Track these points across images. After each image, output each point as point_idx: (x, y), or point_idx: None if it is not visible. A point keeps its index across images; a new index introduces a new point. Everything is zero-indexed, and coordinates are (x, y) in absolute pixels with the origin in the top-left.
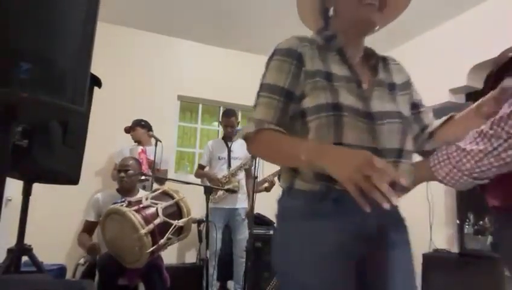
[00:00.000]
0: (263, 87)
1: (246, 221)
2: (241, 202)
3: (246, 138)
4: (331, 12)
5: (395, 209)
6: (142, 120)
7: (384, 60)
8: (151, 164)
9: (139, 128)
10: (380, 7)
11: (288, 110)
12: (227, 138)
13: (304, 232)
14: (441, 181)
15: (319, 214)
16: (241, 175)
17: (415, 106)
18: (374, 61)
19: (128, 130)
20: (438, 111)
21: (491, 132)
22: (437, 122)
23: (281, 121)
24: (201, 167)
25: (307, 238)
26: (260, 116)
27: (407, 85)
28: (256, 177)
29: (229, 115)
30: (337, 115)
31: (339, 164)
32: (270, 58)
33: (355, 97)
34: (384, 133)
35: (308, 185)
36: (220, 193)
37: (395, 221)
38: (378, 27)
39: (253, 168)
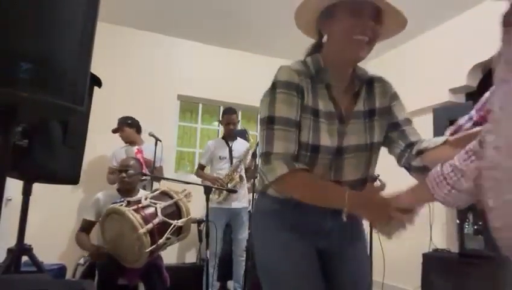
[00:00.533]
0: (277, 120)
1: (247, 221)
2: (242, 202)
3: (280, 178)
4: (325, 38)
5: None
6: (128, 118)
7: (371, 82)
8: (148, 163)
9: (127, 128)
10: (369, 41)
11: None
12: (228, 137)
13: (271, 227)
14: (442, 203)
15: (283, 212)
16: (242, 172)
17: (398, 125)
18: (358, 88)
19: (115, 130)
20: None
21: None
22: (429, 143)
23: (298, 152)
24: (201, 166)
25: (273, 231)
26: (282, 150)
27: (387, 110)
28: (256, 177)
29: (230, 112)
30: (313, 156)
31: (372, 217)
32: (274, 90)
33: (333, 135)
34: (349, 166)
35: (277, 193)
36: (224, 193)
37: (351, 224)
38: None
39: (253, 167)
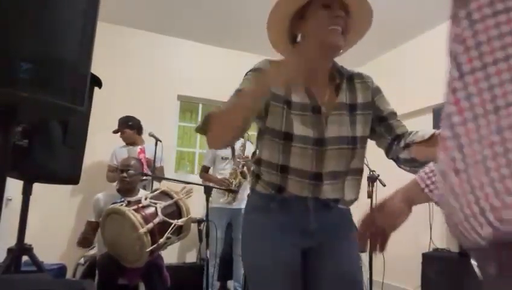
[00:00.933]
0: (235, 91)
1: None
2: (245, 202)
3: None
4: (299, 38)
5: (341, 210)
6: (129, 119)
7: (351, 78)
8: (149, 163)
9: (128, 130)
10: (343, 32)
11: None
12: None
13: (257, 222)
14: (437, 204)
15: (269, 209)
16: (245, 168)
17: (383, 119)
18: (339, 81)
19: (116, 131)
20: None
21: None
22: (416, 136)
23: None
24: (205, 168)
25: (258, 227)
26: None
27: (370, 104)
28: None
29: None
30: (287, 143)
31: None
32: (246, 75)
33: (308, 125)
34: (332, 157)
35: (264, 189)
36: (232, 194)
37: (338, 218)
38: (342, 50)
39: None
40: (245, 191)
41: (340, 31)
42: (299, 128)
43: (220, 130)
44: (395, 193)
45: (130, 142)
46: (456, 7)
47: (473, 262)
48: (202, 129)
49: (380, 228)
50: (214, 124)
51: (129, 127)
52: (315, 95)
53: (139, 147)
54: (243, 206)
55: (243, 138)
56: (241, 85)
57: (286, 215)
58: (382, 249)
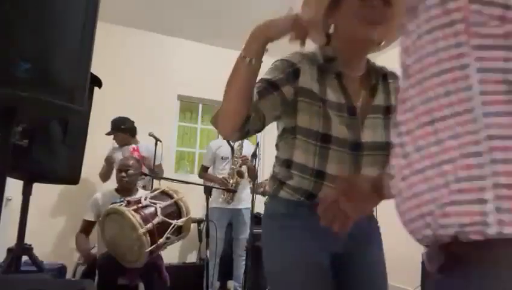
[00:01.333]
0: (260, 79)
1: (249, 221)
2: (245, 202)
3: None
4: (331, 29)
5: (369, 215)
6: (121, 122)
7: (385, 78)
8: (145, 161)
9: (120, 134)
10: (379, 24)
11: (270, 96)
12: None
13: (283, 231)
14: None
15: (296, 215)
16: (243, 168)
17: None
18: (375, 81)
19: (109, 134)
20: None
21: None
22: None
23: (264, 97)
24: (205, 168)
25: (286, 236)
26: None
27: None
28: (257, 178)
29: None
30: (324, 146)
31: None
32: (274, 62)
33: (346, 127)
34: (368, 164)
35: (290, 196)
36: (229, 194)
37: (366, 223)
38: (384, 43)
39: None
40: (244, 191)
41: (376, 22)
42: (337, 130)
43: (229, 109)
44: (364, 178)
45: (123, 144)
46: (407, 20)
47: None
48: (214, 118)
49: (342, 211)
50: (222, 104)
51: (121, 131)
52: (351, 95)
53: (132, 146)
54: (242, 206)
55: None
56: (266, 74)
57: (315, 221)
58: (343, 229)
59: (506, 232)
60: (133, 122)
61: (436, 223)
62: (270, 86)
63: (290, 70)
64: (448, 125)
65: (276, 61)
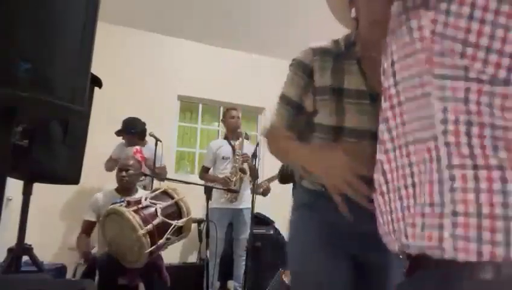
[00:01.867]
0: (280, 96)
1: (249, 221)
2: (246, 202)
3: (265, 140)
4: (353, 13)
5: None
6: (132, 126)
7: None
8: (147, 162)
9: (128, 136)
10: None
11: (298, 120)
12: (232, 134)
13: (303, 220)
14: None
15: (316, 207)
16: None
17: None
18: None
19: (118, 135)
20: None
21: None
22: None
23: (292, 128)
24: (206, 169)
25: (305, 226)
26: (275, 123)
27: None
28: (257, 178)
29: (232, 108)
30: (335, 138)
31: (325, 175)
32: (290, 67)
33: (365, 115)
34: None
35: (311, 185)
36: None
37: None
38: None
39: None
40: (246, 191)
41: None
42: (352, 120)
43: (275, 154)
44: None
45: (131, 144)
46: (388, 41)
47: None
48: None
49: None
50: (273, 146)
51: (130, 134)
52: (373, 81)
53: (136, 147)
54: (243, 206)
55: (240, 136)
56: (285, 86)
57: (334, 214)
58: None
59: (460, 258)
60: (143, 124)
61: (400, 241)
62: (296, 109)
63: (306, 79)
64: (417, 150)
65: (291, 65)
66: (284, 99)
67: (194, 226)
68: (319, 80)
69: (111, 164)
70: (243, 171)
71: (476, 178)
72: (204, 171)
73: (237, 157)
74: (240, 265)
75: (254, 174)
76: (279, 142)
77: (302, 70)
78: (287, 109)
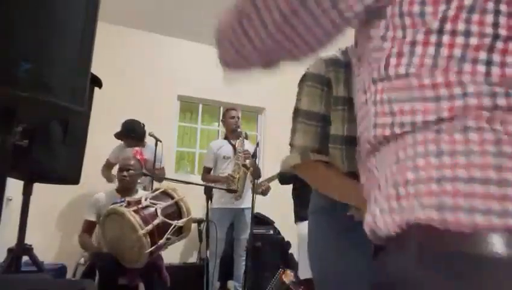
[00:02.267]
0: (300, 113)
1: (250, 221)
2: (247, 202)
3: (294, 168)
4: None
5: None
6: (131, 130)
7: None
8: (147, 163)
9: (127, 140)
10: None
11: (328, 134)
12: (232, 134)
13: (321, 224)
14: None
15: (334, 209)
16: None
17: None
18: None
19: (117, 138)
20: None
21: None
22: None
23: (322, 145)
24: (207, 170)
25: (323, 229)
26: (301, 143)
27: None
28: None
29: (232, 108)
30: (350, 149)
31: None
32: (302, 83)
33: None
34: None
35: None
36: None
37: None
38: None
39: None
40: (248, 191)
41: None
42: None
43: (319, 188)
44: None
45: (130, 146)
46: (357, 67)
47: None
48: (297, 168)
49: None
50: (319, 181)
51: (130, 138)
52: None
53: (136, 148)
54: (245, 205)
55: (240, 136)
56: (303, 98)
57: (350, 219)
58: None
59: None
60: (143, 127)
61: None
62: (324, 122)
63: (326, 90)
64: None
65: (303, 80)
66: (306, 115)
67: (194, 226)
68: (335, 90)
69: (108, 173)
70: (246, 167)
71: None
72: (205, 172)
73: (239, 154)
74: (240, 265)
75: (256, 173)
76: (331, 180)
77: (320, 82)
78: (313, 124)
